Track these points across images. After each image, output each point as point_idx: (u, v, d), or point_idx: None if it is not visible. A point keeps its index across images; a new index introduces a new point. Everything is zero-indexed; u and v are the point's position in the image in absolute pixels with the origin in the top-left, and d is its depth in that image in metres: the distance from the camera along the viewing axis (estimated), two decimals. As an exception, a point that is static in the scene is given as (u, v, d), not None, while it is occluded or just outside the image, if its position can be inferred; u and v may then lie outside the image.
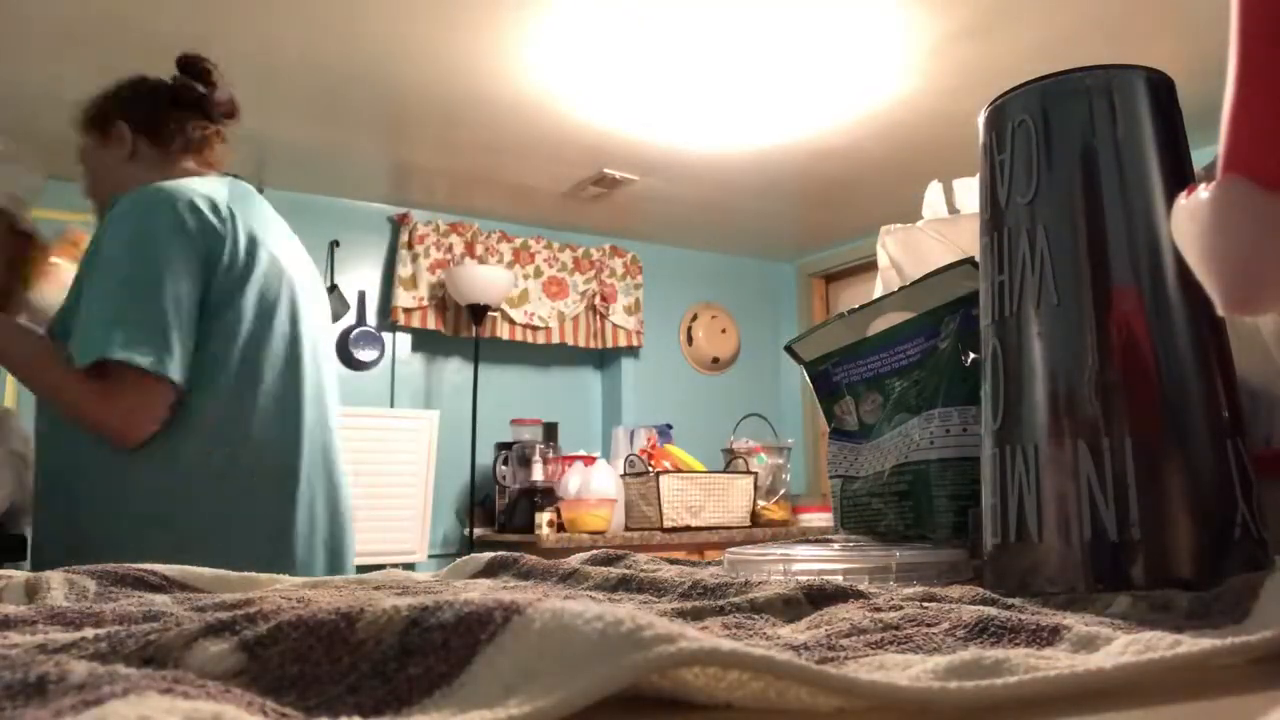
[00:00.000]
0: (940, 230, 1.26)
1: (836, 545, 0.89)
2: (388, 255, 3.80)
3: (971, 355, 0.88)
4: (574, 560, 0.96)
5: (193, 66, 1.58)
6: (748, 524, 3.55)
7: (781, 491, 3.74)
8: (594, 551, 1.00)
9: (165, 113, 1.56)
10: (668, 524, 3.36)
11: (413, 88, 2.82)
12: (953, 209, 1.35)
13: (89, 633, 0.42)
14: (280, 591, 0.75)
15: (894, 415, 0.98)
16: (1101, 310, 0.63)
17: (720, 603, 0.56)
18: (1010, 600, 0.56)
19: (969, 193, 1.33)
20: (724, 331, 4.53)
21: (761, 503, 3.64)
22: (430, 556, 3.59)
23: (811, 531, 3.60)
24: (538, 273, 4.01)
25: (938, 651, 0.41)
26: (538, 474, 3.38)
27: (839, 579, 0.73)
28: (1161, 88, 0.68)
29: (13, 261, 1.66)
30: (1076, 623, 0.45)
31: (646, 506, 3.43)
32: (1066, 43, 2.61)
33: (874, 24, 2.51)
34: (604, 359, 4.31)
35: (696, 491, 3.46)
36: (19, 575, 0.75)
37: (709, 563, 1.05)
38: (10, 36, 2.47)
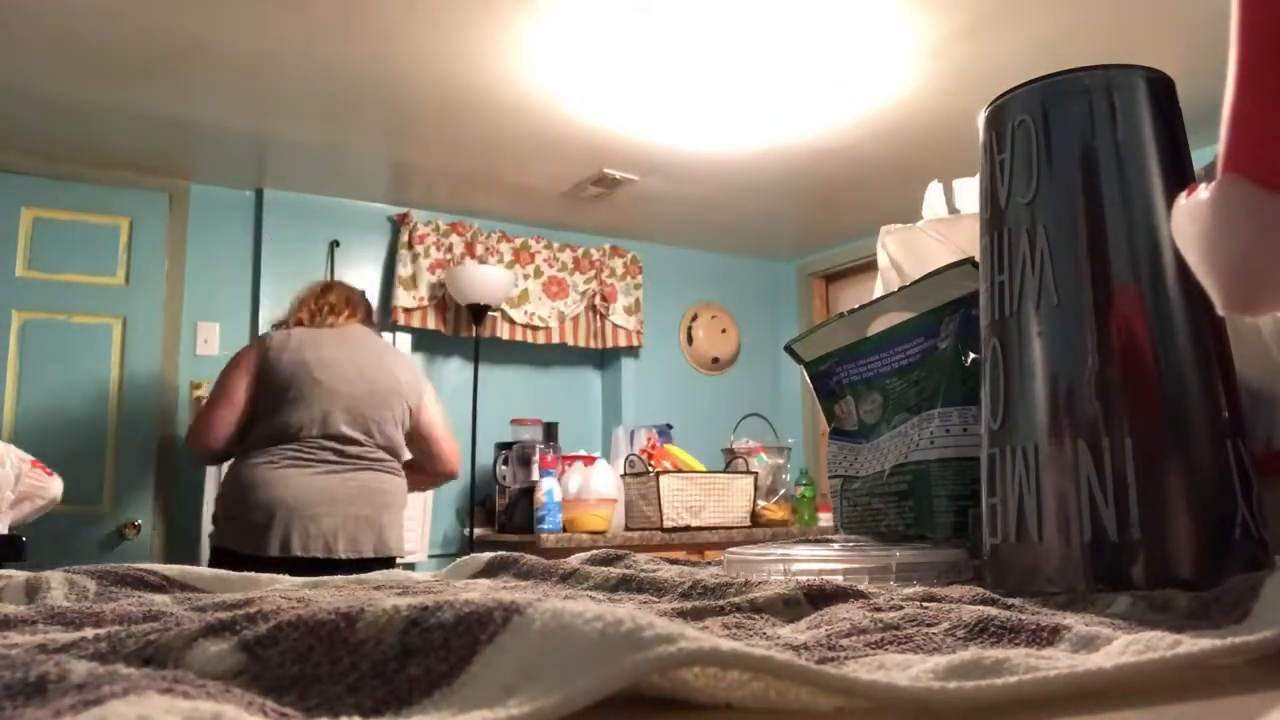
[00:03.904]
0: (940, 230, 1.26)
1: (836, 545, 0.89)
2: (388, 255, 3.80)
3: (971, 355, 0.88)
4: (574, 560, 0.96)
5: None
6: (748, 524, 3.55)
7: (781, 491, 3.73)
8: (594, 551, 1.00)
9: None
10: (668, 524, 3.36)
11: (413, 88, 2.82)
12: (953, 209, 1.35)
13: (89, 633, 0.42)
14: (280, 591, 0.75)
15: (894, 415, 0.98)
16: (1101, 310, 0.63)
17: (720, 603, 0.56)
18: (1010, 600, 0.56)
19: (969, 193, 1.33)
20: (724, 331, 4.53)
21: (761, 503, 3.64)
22: (430, 556, 3.58)
23: (827, 532, 3.60)
24: (538, 273, 4.00)
25: (938, 651, 0.41)
26: (538, 474, 3.38)
27: (839, 579, 0.73)
28: (1161, 88, 0.69)
29: None
30: (1076, 623, 0.45)
31: (646, 506, 3.43)
32: (1066, 43, 2.60)
33: (874, 24, 2.51)
34: (604, 359, 4.30)
35: (696, 491, 3.46)
36: (19, 575, 0.75)
37: (709, 563, 1.05)
38: (8, 36, 2.47)
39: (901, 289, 1.00)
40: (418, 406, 2.42)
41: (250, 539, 2.14)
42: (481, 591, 0.69)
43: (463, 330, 3.79)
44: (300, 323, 2.39)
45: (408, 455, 2.48)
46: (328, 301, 2.45)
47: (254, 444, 2.23)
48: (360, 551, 2.22)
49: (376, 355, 2.38)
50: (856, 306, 1.04)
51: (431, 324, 3.76)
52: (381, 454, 2.33)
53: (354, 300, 2.53)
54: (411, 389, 2.41)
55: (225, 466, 2.37)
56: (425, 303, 3.73)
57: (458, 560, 1.00)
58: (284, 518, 2.15)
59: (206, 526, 3.16)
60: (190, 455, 2.40)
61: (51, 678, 0.27)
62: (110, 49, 2.54)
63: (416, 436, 2.44)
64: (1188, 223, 0.47)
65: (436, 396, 2.56)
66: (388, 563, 2.29)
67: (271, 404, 2.23)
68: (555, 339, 4.03)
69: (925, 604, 0.54)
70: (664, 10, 2.41)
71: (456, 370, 3.88)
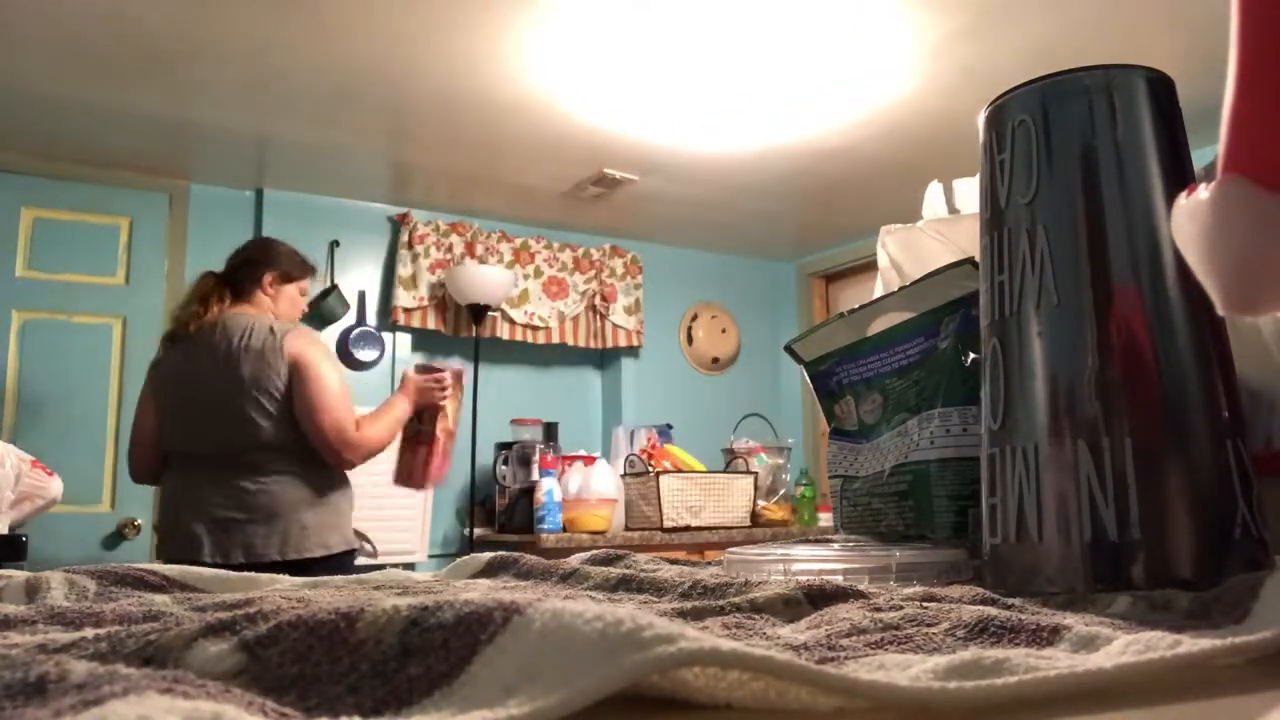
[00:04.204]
0: (940, 230, 1.26)
1: (836, 545, 0.89)
2: (388, 255, 3.80)
3: (971, 355, 0.88)
4: (574, 560, 0.96)
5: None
6: (748, 524, 3.55)
7: (781, 491, 3.74)
8: (594, 551, 1.00)
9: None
10: (668, 524, 3.36)
11: (413, 88, 2.82)
12: (953, 209, 1.35)
13: (89, 633, 0.42)
14: (280, 591, 0.75)
15: (894, 415, 0.98)
16: (1101, 310, 0.63)
17: (720, 603, 0.56)
18: (1010, 600, 0.56)
19: (969, 193, 1.33)
20: (724, 331, 4.53)
21: (761, 503, 3.64)
22: (430, 556, 3.58)
23: (827, 532, 3.59)
24: (538, 273, 4.00)
25: (938, 651, 0.41)
26: (538, 474, 3.38)
27: (839, 579, 0.73)
28: (1161, 88, 0.69)
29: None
30: (1076, 623, 0.45)
31: (646, 506, 3.43)
32: (1066, 43, 2.60)
33: (874, 24, 2.51)
34: (604, 359, 4.30)
35: (696, 491, 3.46)
36: (19, 575, 0.75)
37: (709, 563, 1.05)
38: (8, 36, 2.47)
39: (901, 289, 1.00)
40: (297, 385, 2.17)
41: (160, 547, 2.29)
42: (481, 591, 0.69)
43: (463, 330, 3.79)
44: (167, 339, 2.32)
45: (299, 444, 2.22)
46: (187, 309, 2.27)
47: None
48: (227, 558, 2.11)
49: (224, 356, 2.16)
50: (856, 306, 1.04)
51: (431, 324, 3.76)
52: (251, 458, 2.17)
53: (213, 290, 2.27)
54: (263, 377, 2.15)
55: None
56: (425, 303, 3.73)
57: (458, 560, 1.00)
58: (165, 526, 2.25)
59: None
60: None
61: (51, 678, 0.27)
62: (110, 49, 2.54)
63: (300, 417, 2.18)
64: (1188, 223, 0.47)
65: (333, 370, 2.25)
66: (273, 566, 2.08)
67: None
68: (555, 339, 4.03)
69: (925, 604, 0.54)
70: (664, 10, 2.41)
71: (456, 370, 3.88)
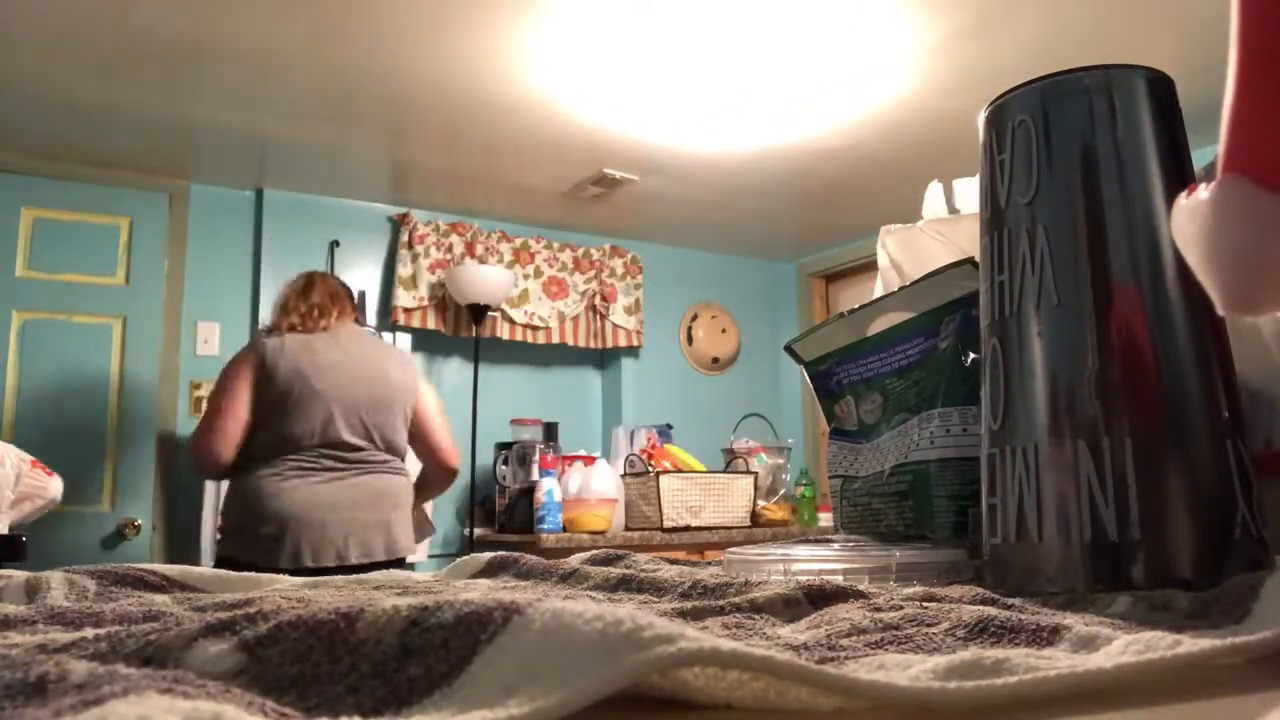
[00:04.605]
0: (940, 230, 1.26)
1: (836, 545, 0.89)
2: (388, 255, 3.80)
3: (971, 355, 0.88)
4: (574, 560, 0.96)
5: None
6: (748, 524, 3.55)
7: (781, 491, 3.73)
8: (594, 551, 1.00)
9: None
10: (668, 524, 3.36)
11: (413, 88, 2.82)
12: (953, 209, 1.35)
13: (89, 633, 0.42)
14: (280, 591, 0.75)
15: (894, 415, 0.98)
16: (1101, 310, 0.63)
17: (720, 603, 0.56)
18: (1010, 600, 0.56)
19: (969, 193, 1.33)
20: (724, 331, 4.53)
21: (761, 503, 3.64)
22: (430, 556, 3.58)
23: (827, 532, 3.59)
24: (538, 273, 4.00)
25: (938, 651, 0.41)
26: (538, 474, 3.38)
27: (839, 579, 0.73)
28: (1161, 88, 0.69)
29: None
30: (1076, 623, 0.45)
31: (646, 506, 3.43)
32: (1066, 43, 2.60)
33: (874, 24, 2.51)
34: (604, 359, 4.30)
35: (696, 491, 3.46)
36: (19, 575, 0.75)
37: (709, 563, 1.05)
38: (8, 36, 2.46)
39: (901, 289, 1.00)
40: (416, 402, 2.41)
41: (261, 551, 2.12)
42: (481, 591, 0.69)
43: (463, 330, 3.79)
44: (293, 328, 2.30)
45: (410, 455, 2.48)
46: (313, 304, 2.36)
47: (258, 454, 2.20)
48: (372, 555, 2.21)
49: (371, 356, 2.34)
50: (856, 306, 1.04)
51: (431, 324, 3.76)
52: (385, 455, 2.32)
53: (338, 296, 2.44)
54: (408, 387, 2.38)
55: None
56: (425, 303, 3.73)
57: (458, 560, 1.00)
58: (294, 530, 2.13)
59: (207, 526, 3.16)
60: (194, 468, 2.33)
61: (51, 678, 0.27)
62: (110, 49, 2.54)
63: (416, 434, 2.42)
64: (1188, 223, 0.47)
65: (435, 391, 2.55)
66: (399, 563, 2.29)
67: (272, 415, 2.18)
68: (555, 339, 4.03)
69: (925, 604, 0.54)
70: (664, 10, 2.41)
71: (456, 370, 3.88)
